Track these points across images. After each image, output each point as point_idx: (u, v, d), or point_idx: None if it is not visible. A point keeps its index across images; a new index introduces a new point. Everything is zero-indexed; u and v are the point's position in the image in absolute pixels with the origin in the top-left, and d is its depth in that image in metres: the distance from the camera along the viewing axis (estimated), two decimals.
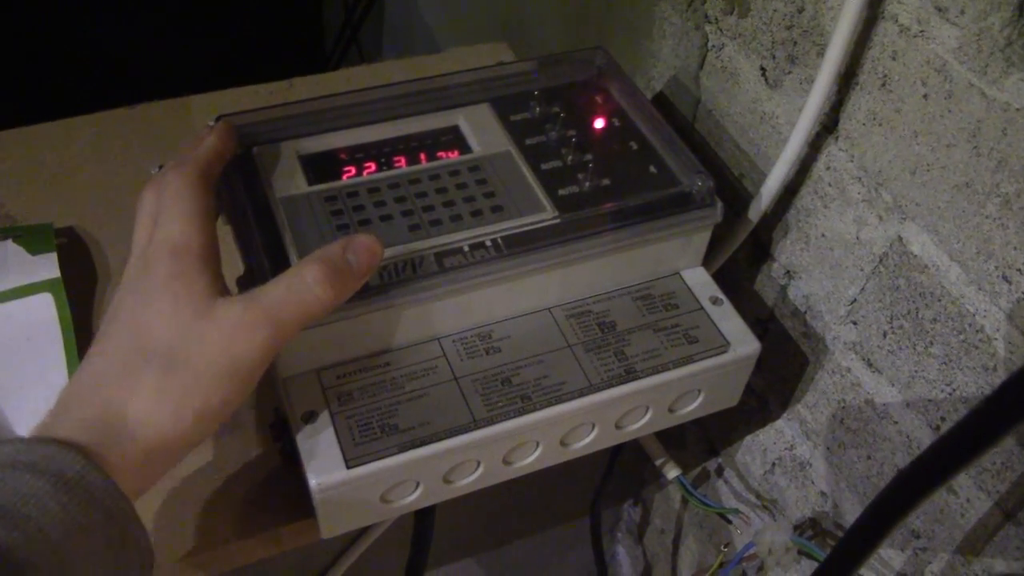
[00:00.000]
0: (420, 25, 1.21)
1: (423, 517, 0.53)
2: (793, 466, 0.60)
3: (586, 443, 0.47)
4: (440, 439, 0.42)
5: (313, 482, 0.40)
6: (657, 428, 0.49)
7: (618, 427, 0.47)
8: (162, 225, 0.39)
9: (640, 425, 0.48)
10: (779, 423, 0.60)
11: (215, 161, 0.43)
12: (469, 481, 0.45)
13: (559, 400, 0.44)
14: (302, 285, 0.38)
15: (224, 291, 0.39)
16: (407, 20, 1.28)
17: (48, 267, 0.53)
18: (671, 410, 0.48)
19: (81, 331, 0.53)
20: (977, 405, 0.30)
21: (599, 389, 0.45)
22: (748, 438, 0.64)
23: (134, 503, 0.35)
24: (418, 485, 0.43)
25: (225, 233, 0.49)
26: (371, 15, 1.42)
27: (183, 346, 0.36)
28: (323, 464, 0.41)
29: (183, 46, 1.46)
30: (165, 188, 0.40)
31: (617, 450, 0.61)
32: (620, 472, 0.69)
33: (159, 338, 0.36)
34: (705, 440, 0.70)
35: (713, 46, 0.56)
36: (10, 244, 0.54)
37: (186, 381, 0.36)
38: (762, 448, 0.63)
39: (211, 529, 0.46)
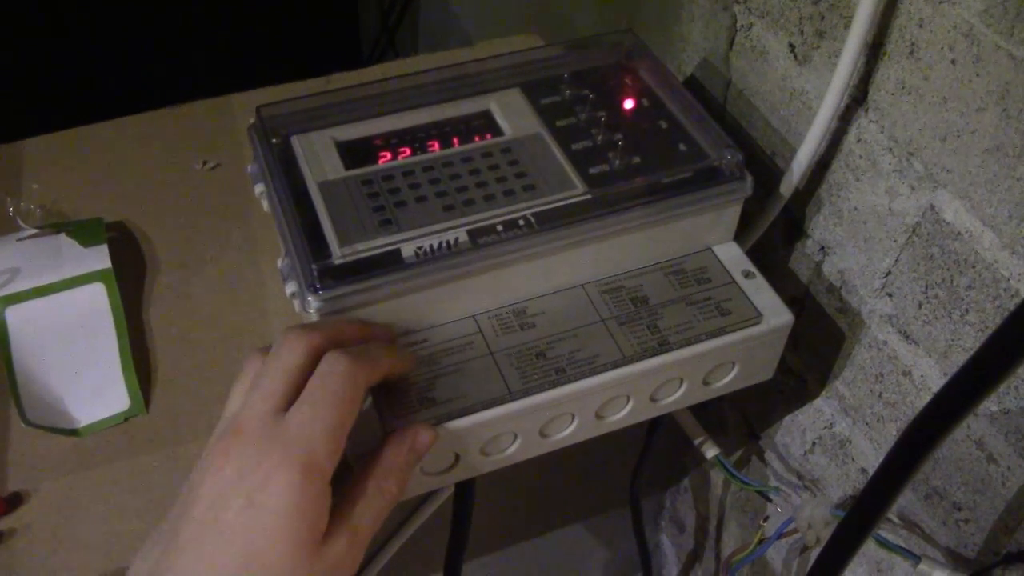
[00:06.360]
0: (455, 25, 1.23)
1: (462, 494, 0.53)
2: (833, 444, 0.60)
3: (622, 416, 0.47)
4: (476, 410, 0.43)
5: (354, 453, 0.42)
6: (692, 401, 0.49)
7: (653, 400, 0.48)
8: (304, 421, 0.35)
9: (675, 398, 0.48)
10: (818, 402, 0.60)
11: (383, 376, 0.40)
12: (506, 454, 0.46)
13: (593, 372, 0.45)
14: (383, 500, 0.38)
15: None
16: (442, 21, 1.30)
17: (100, 258, 0.56)
18: (706, 383, 0.49)
19: (131, 318, 0.55)
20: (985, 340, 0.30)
21: (633, 361, 0.45)
22: (787, 419, 0.64)
23: None
24: (457, 458, 0.44)
25: (267, 219, 0.51)
26: (407, 19, 1.44)
27: None
28: (364, 436, 0.42)
29: (220, 52, 1.51)
30: (334, 367, 0.36)
31: (653, 427, 0.61)
32: (660, 460, 0.69)
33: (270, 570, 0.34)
34: (745, 424, 0.70)
35: (741, 26, 0.56)
36: (63, 237, 0.57)
37: None
38: (801, 428, 0.63)
39: None
